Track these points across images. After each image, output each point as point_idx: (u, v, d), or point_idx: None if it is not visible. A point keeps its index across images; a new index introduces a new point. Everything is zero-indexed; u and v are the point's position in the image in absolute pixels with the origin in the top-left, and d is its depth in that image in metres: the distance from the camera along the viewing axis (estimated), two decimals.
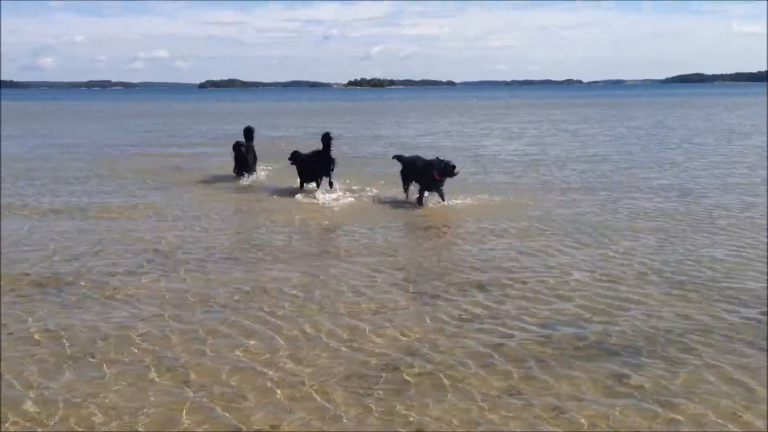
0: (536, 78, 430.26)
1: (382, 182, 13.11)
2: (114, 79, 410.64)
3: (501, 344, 5.39)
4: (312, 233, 9.60)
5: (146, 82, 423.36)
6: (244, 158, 14.34)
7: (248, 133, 14.88)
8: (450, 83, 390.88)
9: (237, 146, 14.44)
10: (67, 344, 5.41)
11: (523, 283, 6.97)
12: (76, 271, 7.42)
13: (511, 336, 5.57)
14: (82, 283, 7.01)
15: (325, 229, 9.87)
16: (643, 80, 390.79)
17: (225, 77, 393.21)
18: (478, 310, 6.17)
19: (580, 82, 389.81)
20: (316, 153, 12.90)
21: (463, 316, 6.02)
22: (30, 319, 5.96)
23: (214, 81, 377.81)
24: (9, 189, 13.25)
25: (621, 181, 13.76)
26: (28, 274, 7.32)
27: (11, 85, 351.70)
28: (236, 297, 6.56)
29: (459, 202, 11.38)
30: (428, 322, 5.90)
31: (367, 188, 12.72)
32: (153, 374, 4.86)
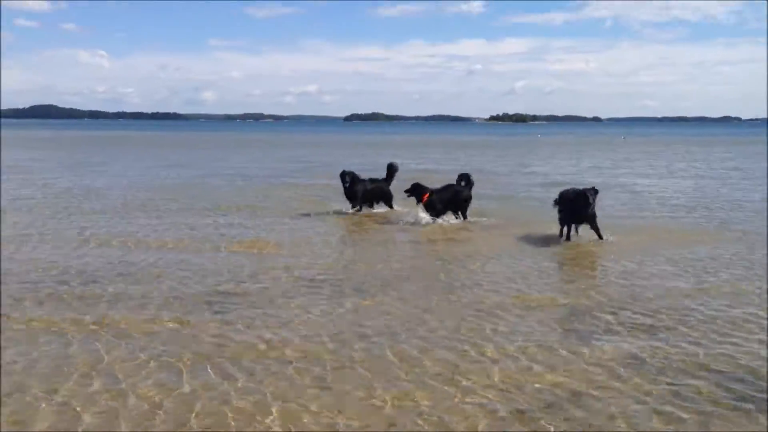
0: (690, 114, 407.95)
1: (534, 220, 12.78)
2: (266, 112, 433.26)
3: (673, 391, 4.94)
4: (460, 264, 9.41)
5: (295, 115, 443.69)
6: (347, 189, 14.23)
7: (390, 169, 14.66)
8: (596, 119, 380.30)
9: (342, 176, 14.35)
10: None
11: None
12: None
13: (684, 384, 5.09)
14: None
15: (472, 260, 9.65)
16: None
17: (369, 111, 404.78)
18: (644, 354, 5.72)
19: (738, 119, 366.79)
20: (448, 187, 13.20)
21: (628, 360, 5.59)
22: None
23: (358, 114, 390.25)
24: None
25: None
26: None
27: (176, 117, 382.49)
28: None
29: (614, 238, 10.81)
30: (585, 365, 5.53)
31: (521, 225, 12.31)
32: None
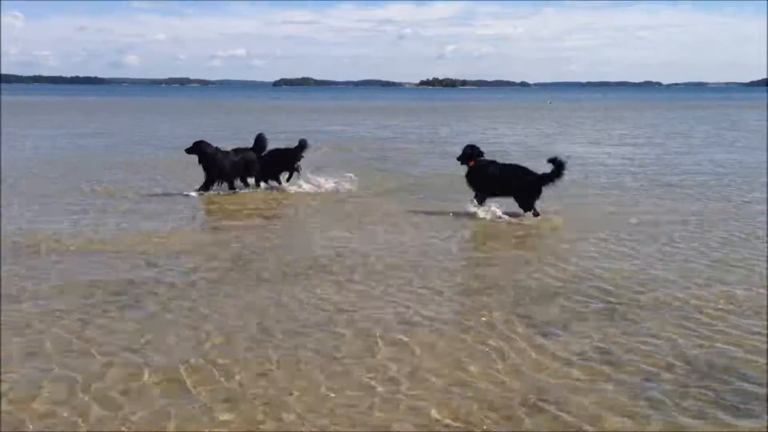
0: (612, 80, 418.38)
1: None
2: (192, 77, 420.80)
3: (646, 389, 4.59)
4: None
5: (223, 80, 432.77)
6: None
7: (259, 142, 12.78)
8: (523, 84, 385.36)
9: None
10: None
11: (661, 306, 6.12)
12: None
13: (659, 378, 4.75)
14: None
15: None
16: (726, 83, 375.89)
17: (298, 75, 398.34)
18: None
19: (659, 84, 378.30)
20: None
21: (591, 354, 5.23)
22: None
23: (287, 79, 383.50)
24: None
25: None
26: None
27: (98, 81, 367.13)
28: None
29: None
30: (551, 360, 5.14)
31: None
32: None
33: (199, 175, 12.19)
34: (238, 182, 12.45)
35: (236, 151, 12.43)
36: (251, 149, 12.60)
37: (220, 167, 12.02)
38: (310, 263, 7.66)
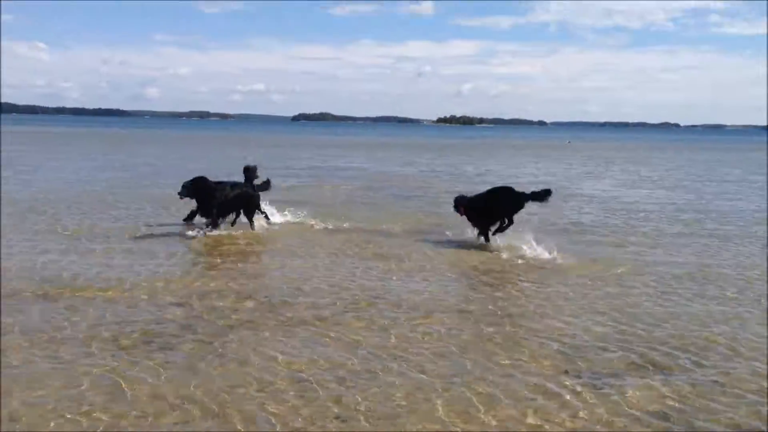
0: (631, 120, 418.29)
1: None
2: (212, 110, 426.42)
3: None
4: None
5: (243, 114, 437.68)
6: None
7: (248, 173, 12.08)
8: (541, 123, 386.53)
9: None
10: None
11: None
12: None
13: None
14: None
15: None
16: (744, 125, 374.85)
17: (317, 111, 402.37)
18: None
19: (677, 125, 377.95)
20: None
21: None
22: None
23: (306, 114, 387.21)
24: None
25: None
26: None
27: (119, 113, 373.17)
28: None
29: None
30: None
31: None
32: None
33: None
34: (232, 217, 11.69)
35: (233, 185, 11.53)
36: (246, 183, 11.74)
37: (221, 202, 11.20)
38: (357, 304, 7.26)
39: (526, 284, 8.53)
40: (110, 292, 7.64)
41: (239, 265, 9.32)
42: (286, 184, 19.43)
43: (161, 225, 12.22)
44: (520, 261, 9.78)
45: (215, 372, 5.39)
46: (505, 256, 10.10)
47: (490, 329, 6.60)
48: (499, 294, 8.08)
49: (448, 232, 11.77)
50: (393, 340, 6.23)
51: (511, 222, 10.80)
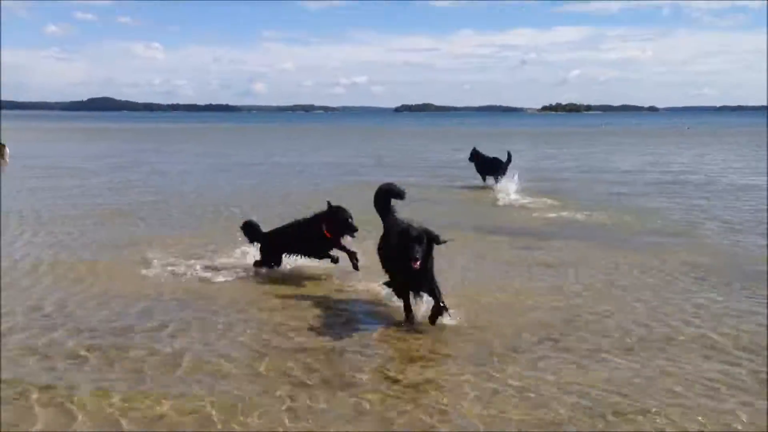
0: (748, 103, 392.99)
1: None
2: (317, 104, 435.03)
3: None
4: None
5: (346, 106, 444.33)
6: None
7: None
8: (652, 109, 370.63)
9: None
10: None
11: None
12: None
13: None
14: None
15: None
16: None
17: (419, 101, 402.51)
18: None
19: None
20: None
21: None
22: None
23: (408, 105, 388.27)
24: None
25: None
26: None
27: (228, 108, 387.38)
28: None
29: None
30: None
31: None
32: None
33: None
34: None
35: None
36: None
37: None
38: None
39: None
40: None
41: None
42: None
43: None
44: None
45: None
46: None
47: None
48: None
49: None
50: None
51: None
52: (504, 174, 16.94)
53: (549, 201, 14.35)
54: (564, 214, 12.70)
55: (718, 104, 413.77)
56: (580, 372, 5.07)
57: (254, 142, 42.54)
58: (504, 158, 17.49)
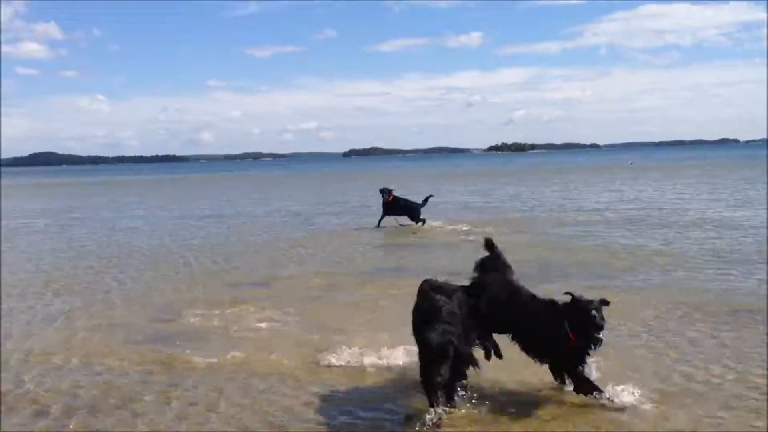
0: (687, 138, 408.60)
1: None
2: (265, 151, 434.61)
3: None
4: None
5: (294, 153, 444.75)
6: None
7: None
8: (594, 146, 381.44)
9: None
10: None
11: None
12: None
13: None
14: None
15: None
16: None
17: (367, 146, 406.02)
18: None
19: (736, 141, 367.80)
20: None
21: None
22: None
23: (356, 149, 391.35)
24: None
25: None
26: None
27: (175, 159, 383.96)
28: None
29: None
30: None
31: None
32: None
33: None
34: None
35: None
36: None
37: None
38: None
39: None
40: None
41: None
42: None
43: None
44: None
45: None
46: None
47: None
48: None
49: None
50: None
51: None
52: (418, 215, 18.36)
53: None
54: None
55: (657, 140, 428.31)
56: None
57: (211, 193, 42.29)
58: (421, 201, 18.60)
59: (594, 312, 5.41)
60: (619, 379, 5.83)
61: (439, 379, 4.99)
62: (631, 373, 6.15)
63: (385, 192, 18.69)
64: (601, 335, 5.41)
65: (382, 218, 18.60)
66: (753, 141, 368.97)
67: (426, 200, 18.65)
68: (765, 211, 19.06)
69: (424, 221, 18.28)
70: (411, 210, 18.52)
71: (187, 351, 7.43)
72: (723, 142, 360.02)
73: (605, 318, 5.49)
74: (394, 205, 18.63)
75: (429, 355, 5.06)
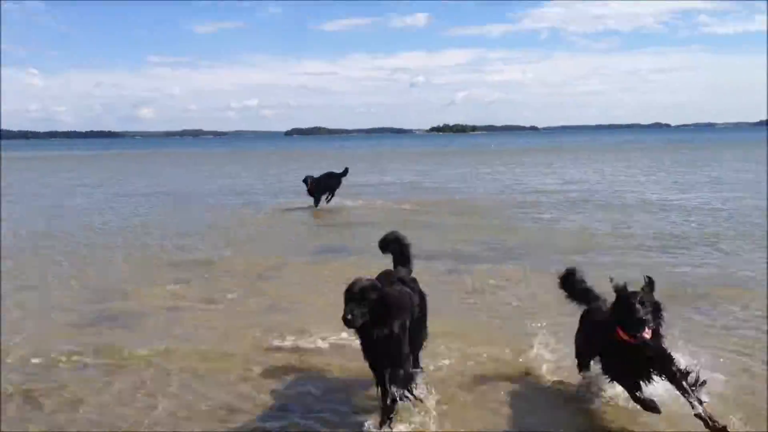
0: (623, 122, 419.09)
1: None
2: (206, 128, 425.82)
3: None
4: None
5: (236, 131, 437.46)
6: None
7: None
8: (533, 128, 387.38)
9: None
10: None
11: None
12: None
13: None
14: None
15: None
16: (736, 123, 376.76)
17: (310, 125, 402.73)
18: None
19: (668, 125, 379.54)
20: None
21: None
22: None
23: (299, 129, 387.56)
24: None
25: None
26: None
27: (111, 135, 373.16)
28: None
29: None
30: None
31: None
32: None
33: None
34: None
35: None
36: None
37: None
38: None
39: None
40: None
41: None
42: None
43: None
44: None
45: None
46: None
47: None
48: None
49: None
50: None
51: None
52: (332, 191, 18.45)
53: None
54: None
55: (594, 123, 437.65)
56: None
57: (150, 170, 41.17)
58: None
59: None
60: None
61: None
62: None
63: (307, 181, 18.33)
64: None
65: (317, 199, 18.29)
66: (685, 125, 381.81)
67: (345, 172, 18.70)
68: (703, 193, 19.82)
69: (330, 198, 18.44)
70: (332, 187, 18.50)
71: (129, 332, 7.21)
72: (656, 126, 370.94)
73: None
74: (318, 187, 18.32)
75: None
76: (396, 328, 4.67)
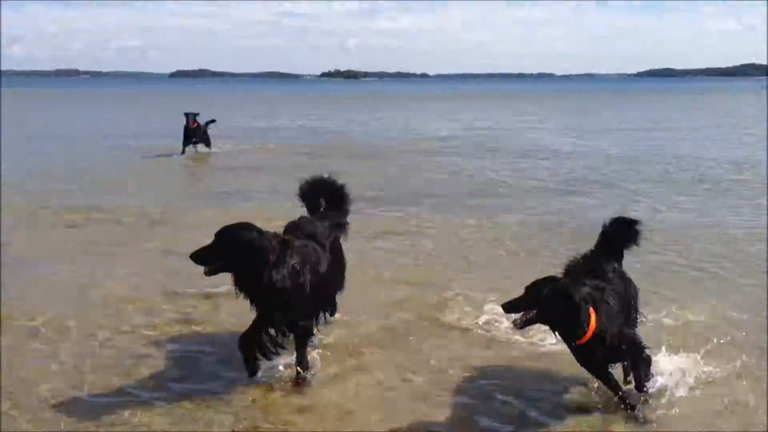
0: (509, 71, 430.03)
1: None
2: (82, 68, 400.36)
3: None
4: None
5: (116, 71, 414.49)
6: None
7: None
8: (424, 75, 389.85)
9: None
10: None
11: None
12: None
13: None
14: None
15: None
16: (617, 74, 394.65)
17: (196, 67, 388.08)
18: None
19: (552, 75, 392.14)
20: None
21: None
22: None
23: (184, 71, 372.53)
24: None
25: None
26: None
27: None
28: None
29: None
30: None
31: None
32: None
33: None
34: None
35: None
36: None
37: None
38: None
39: None
40: None
41: None
42: None
43: None
44: None
45: None
46: None
47: None
48: None
49: None
50: None
51: None
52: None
53: None
54: None
55: (484, 71, 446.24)
56: None
57: (21, 112, 38.26)
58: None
59: None
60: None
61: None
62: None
63: (191, 116, 17.06)
64: None
65: (186, 144, 17.18)
66: (568, 75, 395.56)
67: (208, 123, 17.71)
68: (592, 140, 20.70)
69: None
70: (208, 139, 17.52)
71: (26, 280, 6.74)
72: (541, 76, 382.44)
73: None
74: (196, 131, 17.20)
75: None
76: (272, 277, 4.32)
